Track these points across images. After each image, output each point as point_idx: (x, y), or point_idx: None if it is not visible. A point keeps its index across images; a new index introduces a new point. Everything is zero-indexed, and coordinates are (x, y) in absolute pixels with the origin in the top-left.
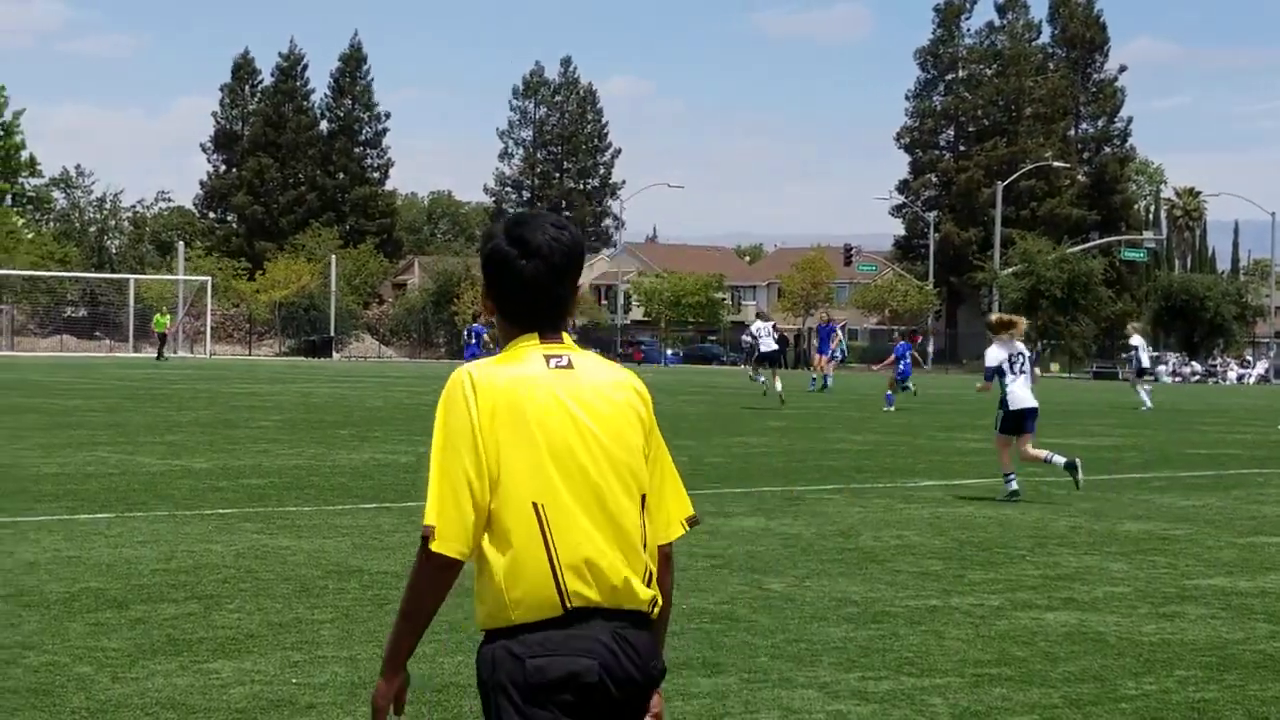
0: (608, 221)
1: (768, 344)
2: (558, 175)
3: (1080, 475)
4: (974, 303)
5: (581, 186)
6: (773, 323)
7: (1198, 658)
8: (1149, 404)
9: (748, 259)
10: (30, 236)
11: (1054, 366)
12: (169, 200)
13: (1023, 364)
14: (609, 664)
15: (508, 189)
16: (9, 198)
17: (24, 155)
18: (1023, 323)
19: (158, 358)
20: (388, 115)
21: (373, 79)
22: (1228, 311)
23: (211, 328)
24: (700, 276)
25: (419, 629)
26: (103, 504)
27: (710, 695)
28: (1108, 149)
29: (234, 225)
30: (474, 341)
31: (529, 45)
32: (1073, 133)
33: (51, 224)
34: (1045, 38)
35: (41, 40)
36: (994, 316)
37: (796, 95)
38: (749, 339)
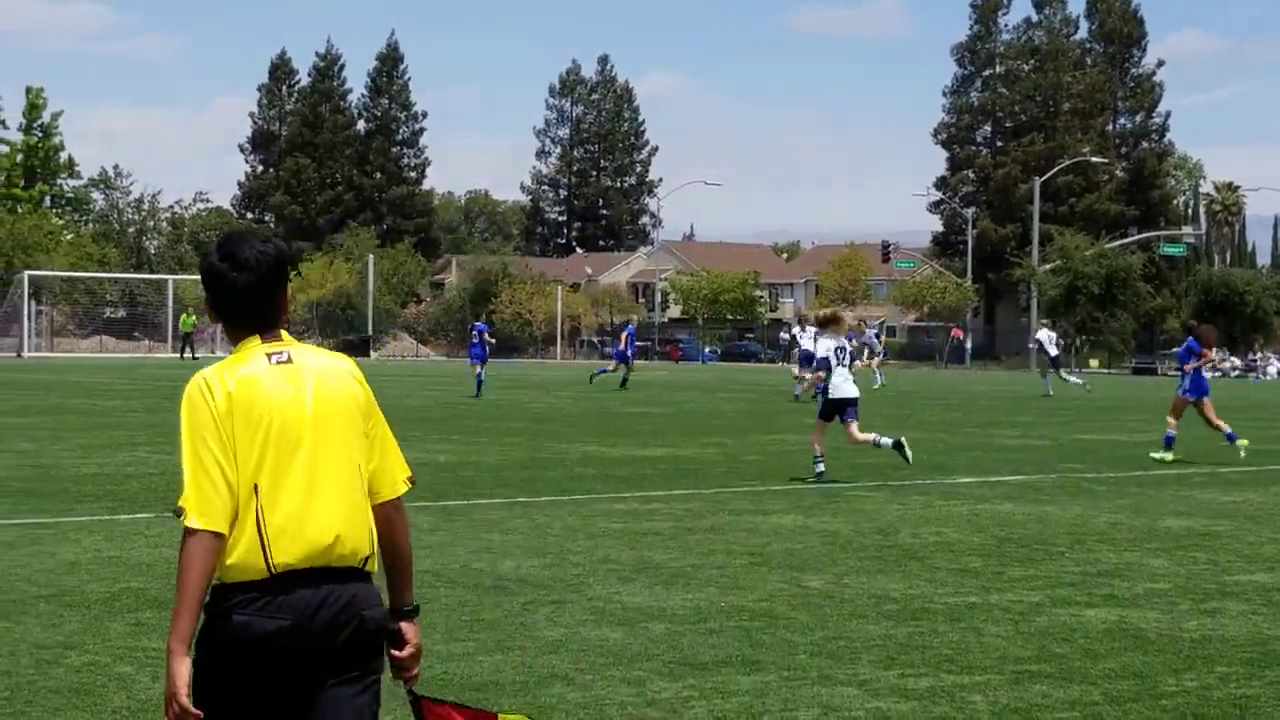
0: (645, 219)
1: (807, 346)
2: (594, 173)
3: (908, 453)
4: (1012, 299)
5: (618, 185)
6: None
7: (1239, 654)
8: (1080, 383)
9: (785, 256)
10: (69, 238)
11: (1093, 362)
12: (207, 200)
13: (844, 357)
14: (306, 621)
15: (544, 187)
16: (48, 199)
17: (63, 157)
18: (847, 317)
19: (182, 356)
20: (424, 115)
21: (409, 78)
22: (1268, 306)
23: None
24: (737, 274)
25: (195, 607)
26: (143, 504)
27: (750, 693)
28: (1146, 144)
29: (271, 225)
30: (477, 341)
31: (565, 43)
32: (1111, 128)
33: (90, 225)
34: (1083, 33)
35: (82, 42)
36: (821, 312)
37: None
38: (790, 338)
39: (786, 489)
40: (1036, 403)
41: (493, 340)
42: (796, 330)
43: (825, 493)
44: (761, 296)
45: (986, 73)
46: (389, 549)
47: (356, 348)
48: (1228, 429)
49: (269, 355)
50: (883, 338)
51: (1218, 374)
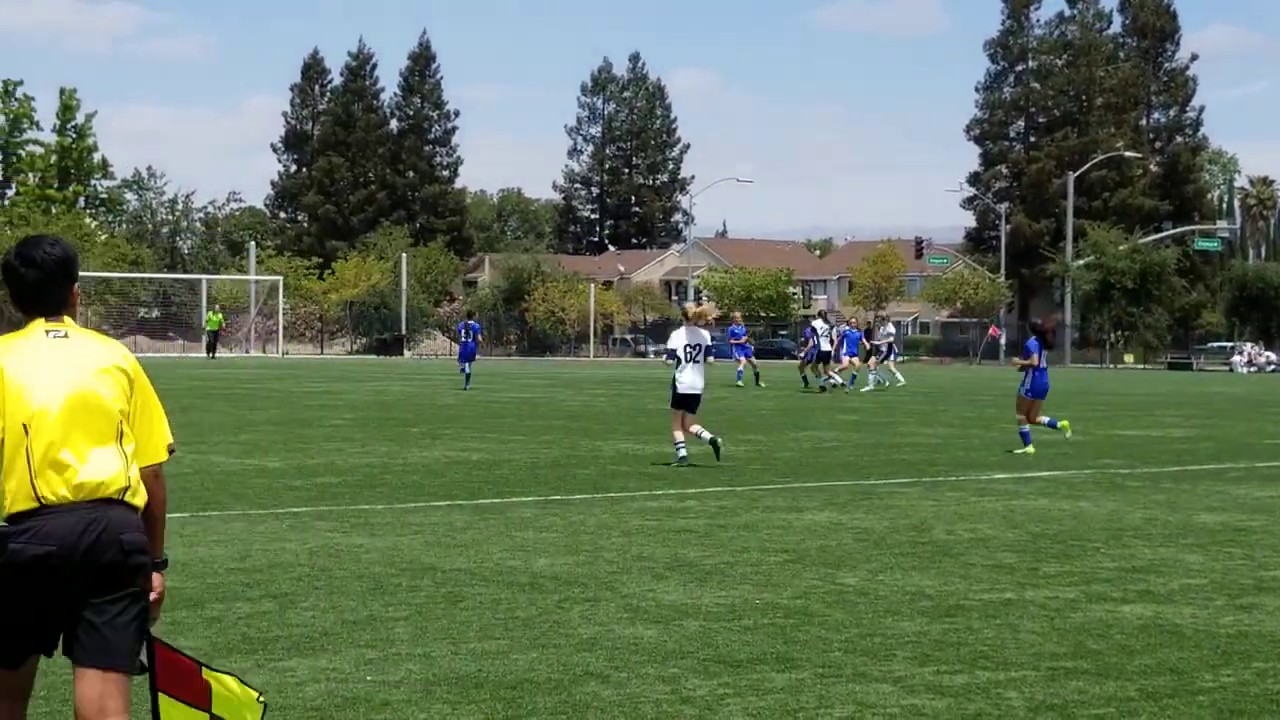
0: (677, 217)
1: (825, 344)
2: (627, 171)
3: (721, 451)
4: (1046, 294)
5: (651, 182)
6: (832, 324)
7: (1275, 649)
8: (833, 381)
9: (818, 253)
10: (104, 238)
11: (1128, 358)
12: (240, 200)
13: (698, 353)
14: (72, 544)
15: (577, 185)
16: (82, 200)
17: (96, 157)
18: (710, 312)
19: (209, 355)
20: (457, 113)
21: (442, 77)
22: None
23: (283, 327)
24: (770, 271)
25: None
26: (177, 504)
27: (784, 690)
28: (1180, 138)
29: (305, 224)
30: (469, 338)
31: (597, 41)
32: (1144, 122)
33: (124, 225)
34: (1116, 27)
35: (116, 43)
36: (688, 305)
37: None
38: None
39: (821, 486)
40: (1070, 399)
41: (481, 338)
42: (818, 323)
43: (859, 490)
44: (795, 293)
45: (1019, 68)
46: (146, 508)
47: (390, 347)
48: (1046, 419)
49: (47, 331)
50: (895, 336)
51: (1253, 369)
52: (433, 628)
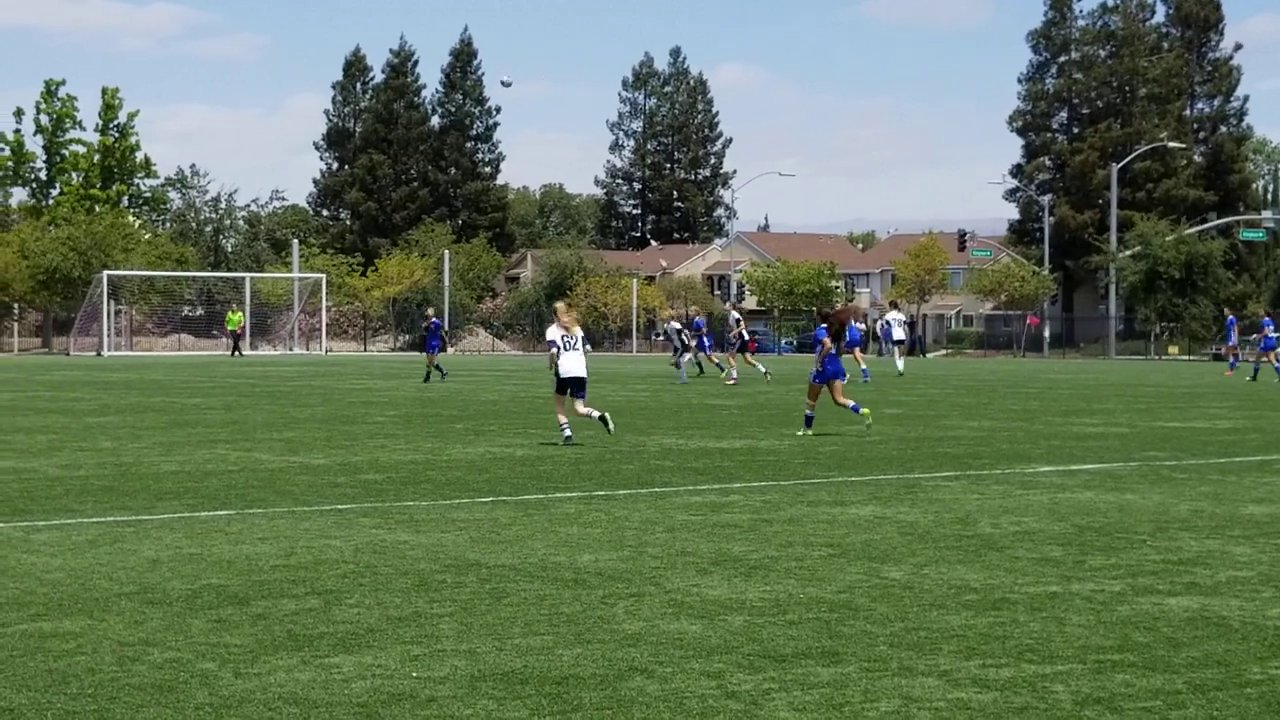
0: (719, 211)
1: (899, 333)
2: (669, 166)
3: (611, 426)
4: (1091, 286)
5: (693, 177)
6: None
7: None
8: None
9: (860, 246)
10: (147, 237)
11: (1173, 349)
12: (283, 198)
13: (575, 342)
14: None
15: (619, 181)
16: (125, 199)
17: (139, 156)
18: (565, 309)
19: (232, 354)
20: (498, 109)
21: (483, 73)
22: None
23: (326, 324)
24: (813, 265)
25: None
26: (223, 501)
27: (830, 684)
28: (1224, 128)
29: (347, 222)
30: (434, 336)
31: (638, 36)
32: (1188, 113)
33: (168, 224)
34: (1159, 17)
35: (161, 44)
36: (558, 304)
37: (908, 80)
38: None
39: (865, 480)
40: (1117, 390)
41: (446, 335)
42: (893, 315)
43: (903, 484)
44: (838, 287)
45: (1062, 59)
46: None
47: None
48: (851, 403)
49: None
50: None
51: None
52: (477, 624)
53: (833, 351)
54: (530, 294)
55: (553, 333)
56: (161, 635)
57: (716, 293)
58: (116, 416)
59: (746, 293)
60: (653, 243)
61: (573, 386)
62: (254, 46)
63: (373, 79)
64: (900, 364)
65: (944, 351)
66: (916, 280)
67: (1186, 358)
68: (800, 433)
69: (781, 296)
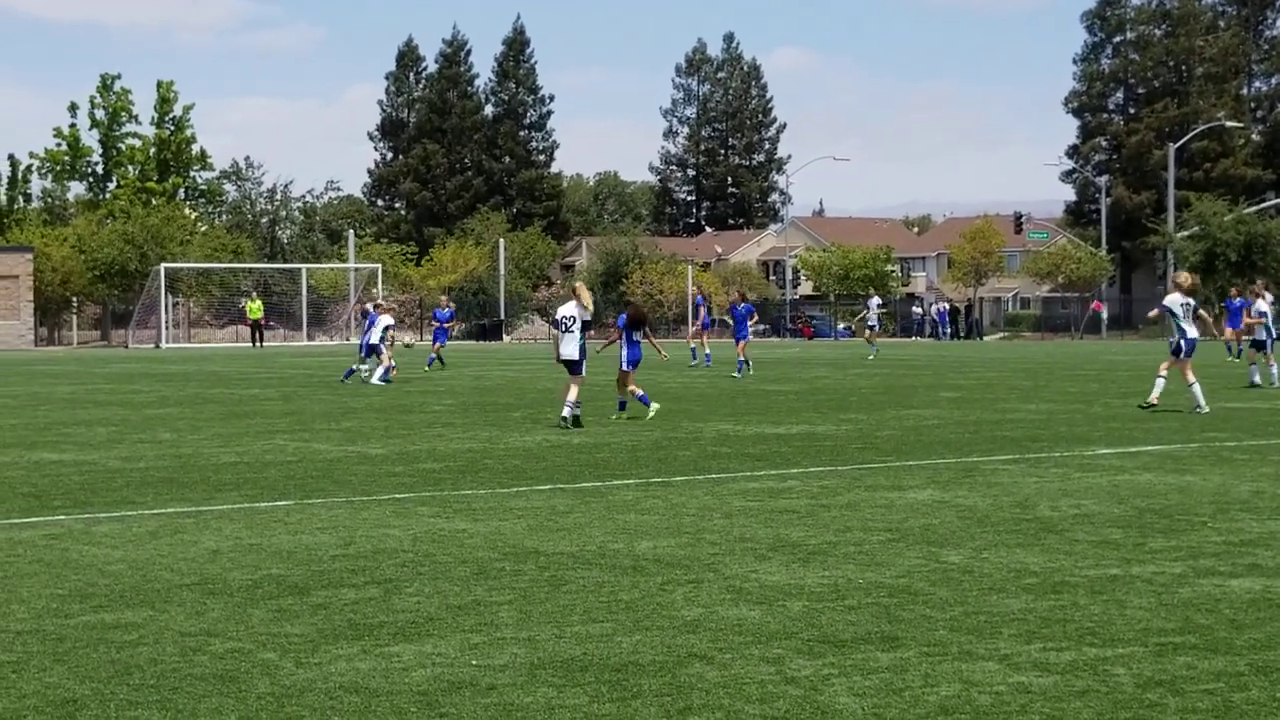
0: (774, 196)
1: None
2: (723, 152)
3: (578, 424)
4: (1149, 267)
5: (747, 162)
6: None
7: None
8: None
9: (916, 230)
10: (204, 230)
11: (1230, 330)
12: (338, 189)
13: (571, 324)
14: None
15: (673, 167)
16: (181, 192)
17: (195, 149)
18: (582, 292)
19: (254, 345)
20: (552, 98)
21: (536, 62)
22: None
23: None
24: (868, 249)
25: None
26: (282, 491)
27: (889, 669)
28: None
29: (402, 212)
30: (369, 330)
31: (691, 22)
32: (1245, 91)
33: (224, 216)
34: None
35: (218, 37)
36: (577, 283)
37: (963, 62)
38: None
39: (923, 464)
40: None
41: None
42: (872, 301)
43: (961, 467)
44: (894, 271)
45: (1117, 39)
46: None
47: (489, 332)
48: (640, 392)
49: None
50: (876, 313)
51: None
52: (536, 611)
53: (635, 340)
54: (586, 281)
55: (563, 310)
56: (223, 626)
57: (772, 278)
58: (175, 408)
59: (802, 278)
60: (707, 229)
61: (572, 366)
62: (310, 39)
63: (426, 69)
64: (873, 349)
65: (1001, 334)
66: (972, 263)
67: (1248, 338)
68: (617, 416)
69: (837, 281)
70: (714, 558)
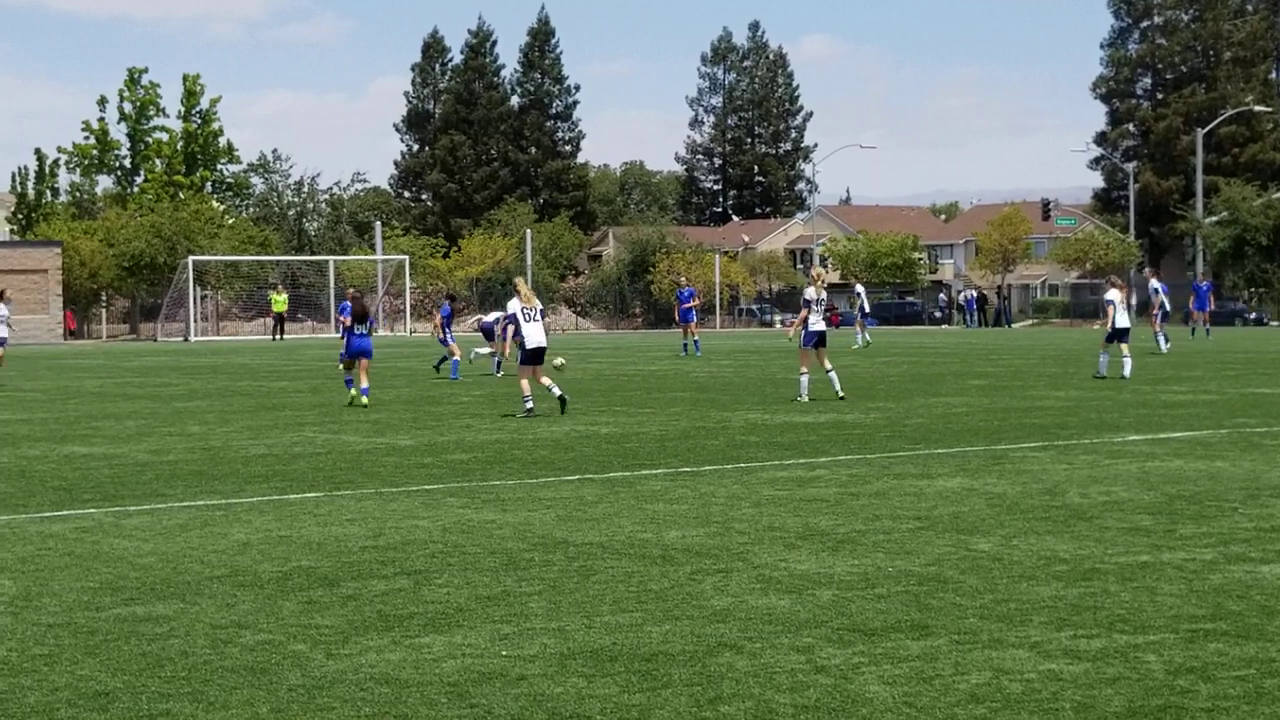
0: (801, 185)
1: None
2: (749, 141)
3: (567, 405)
4: (1177, 253)
5: (774, 151)
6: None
7: None
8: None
9: (943, 217)
10: (231, 222)
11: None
12: (365, 181)
13: (535, 314)
14: None
15: (699, 157)
16: (209, 185)
17: (222, 142)
18: (523, 283)
19: (274, 338)
20: (577, 88)
21: (561, 52)
22: None
23: (410, 305)
24: (896, 237)
25: None
26: (311, 484)
27: (920, 657)
28: None
29: (429, 203)
30: (342, 319)
31: (716, 11)
32: (1274, 76)
33: (251, 209)
34: None
35: (248, 30)
36: (518, 279)
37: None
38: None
39: (951, 452)
40: (1206, 358)
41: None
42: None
43: (990, 455)
44: (921, 259)
45: (1144, 24)
46: None
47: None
48: (364, 386)
49: None
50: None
51: None
52: (566, 602)
53: (360, 333)
54: (613, 272)
55: (513, 306)
56: (253, 617)
57: (799, 266)
58: (204, 401)
59: (829, 266)
60: (734, 218)
61: (539, 355)
62: (338, 31)
63: (451, 60)
64: (860, 338)
65: (1030, 321)
66: (1000, 250)
67: (1275, 323)
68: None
69: (865, 269)
70: (743, 547)
